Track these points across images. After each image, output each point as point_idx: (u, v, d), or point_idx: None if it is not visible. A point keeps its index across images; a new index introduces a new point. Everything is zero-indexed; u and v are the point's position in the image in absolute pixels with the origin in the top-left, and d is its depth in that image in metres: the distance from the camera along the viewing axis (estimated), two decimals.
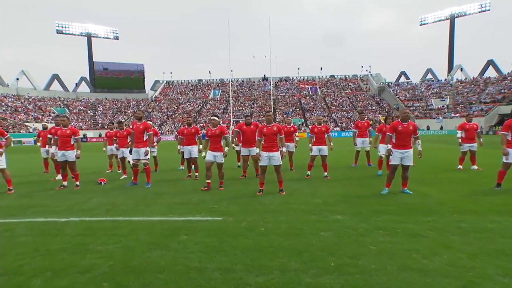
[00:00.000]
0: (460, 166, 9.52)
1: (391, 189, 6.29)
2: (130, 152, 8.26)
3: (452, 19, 68.32)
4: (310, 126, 10.57)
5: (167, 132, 52.41)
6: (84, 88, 73.04)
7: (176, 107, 66.53)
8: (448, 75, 66.04)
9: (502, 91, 50.45)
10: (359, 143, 10.59)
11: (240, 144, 8.99)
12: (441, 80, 64.51)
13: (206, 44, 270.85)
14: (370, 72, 75.90)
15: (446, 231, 3.98)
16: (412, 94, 60.87)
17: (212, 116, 7.43)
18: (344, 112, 59.92)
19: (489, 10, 64.24)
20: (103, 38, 75.01)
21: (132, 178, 8.01)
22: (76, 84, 73.21)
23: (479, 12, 65.47)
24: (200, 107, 66.75)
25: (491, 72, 61.41)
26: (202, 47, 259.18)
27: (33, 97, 59.99)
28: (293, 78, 79.05)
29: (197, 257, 3.32)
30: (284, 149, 6.68)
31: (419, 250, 3.39)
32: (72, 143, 7.82)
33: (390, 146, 6.34)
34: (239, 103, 67.21)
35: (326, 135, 8.71)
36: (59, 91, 67.31)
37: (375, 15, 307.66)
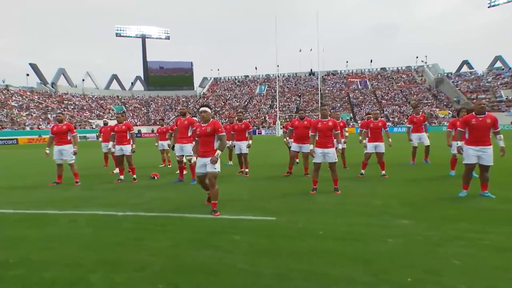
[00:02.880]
0: None
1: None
2: (173, 148, 8.34)
3: None
4: (359, 122, 9.67)
5: None
6: (139, 86, 77.96)
7: (223, 103, 67.93)
8: None
9: None
10: (415, 139, 9.70)
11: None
12: None
13: (253, 40, 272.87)
14: (426, 63, 70.31)
15: None
16: (476, 85, 55.09)
17: (202, 107, 4.97)
18: (397, 106, 56.26)
19: None
20: (156, 38, 79.10)
21: (178, 174, 8.08)
22: (132, 83, 78.39)
23: None
24: (246, 103, 67.40)
25: None
26: (248, 44, 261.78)
27: (95, 96, 65.46)
28: (341, 71, 76.26)
29: (250, 260, 3.11)
30: (340, 146, 6.24)
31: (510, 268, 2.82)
32: (128, 137, 8.17)
33: (460, 143, 5.58)
34: (285, 98, 66.56)
35: (383, 131, 8.05)
36: (117, 90, 72.64)
37: (432, 1, 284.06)
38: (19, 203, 5.86)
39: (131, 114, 60.50)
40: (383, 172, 7.74)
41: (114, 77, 75.21)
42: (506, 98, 48.78)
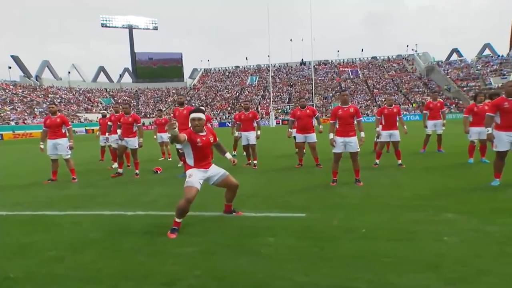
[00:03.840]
0: None
1: (502, 181, 5.19)
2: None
3: None
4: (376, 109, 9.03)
5: None
6: (127, 78, 76.06)
7: (214, 95, 66.95)
8: (510, 49, 59.27)
9: None
10: (430, 126, 9.38)
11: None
12: (502, 56, 58.03)
13: (243, 31, 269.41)
14: (416, 51, 70.51)
15: None
16: (466, 73, 55.52)
17: (194, 112, 4.04)
18: (388, 95, 56.38)
19: None
20: (143, 29, 76.96)
21: (183, 168, 7.54)
22: (120, 75, 76.39)
23: None
24: (238, 93, 66.55)
25: None
26: (238, 34, 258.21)
27: (82, 89, 63.59)
28: (332, 61, 75.91)
29: (300, 268, 2.68)
30: (363, 134, 5.83)
31: None
32: (134, 130, 7.65)
33: (490, 130, 5.23)
34: (277, 88, 65.98)
35: (397, 118, 7.69)
36: (105, 83, 70.72)
37: None
38: (14, 204, 5.30)
39: (120, 107, 58.96)
40: (400, 161, 7.39)
41: (101, 69, 73.08)
42: (496, 86, 49.31)
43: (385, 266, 2.63)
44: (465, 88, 50.28)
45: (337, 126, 5.87)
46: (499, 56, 58.83)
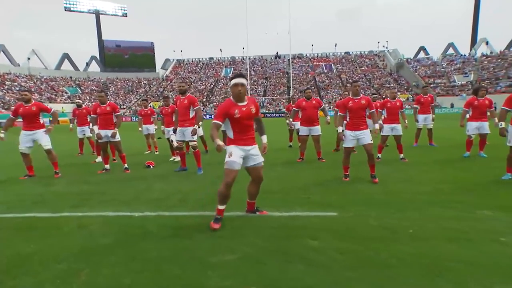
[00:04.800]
0: None
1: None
2: (174, 131, 7.30)
3: None
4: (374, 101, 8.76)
5: None
6: (95, 67, 72.04)
7: (188, 86, 65.17)
8: (471, 50, 62.85)
9: None
10: (421, 120, 9.52)
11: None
12: (464, 55, 61.41)
13: (216, 21, 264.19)
14: (387, 48, 72.84)
15: None
16: (433, 71, 58.24)
17: (236, 77, 3.58)
18: (361, 90, 57.85)
19: None
20: (112, 15, 73.03)
21: (180, 163, 6.97)
22: (87, 63, 72.15)
23: None
24: (212, 85, 65.31)
25: None
26: (212, 25, 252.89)
27: (45, 77, 59.27)
28: (306, 55, 76.55)
29: (365, 277, 2.39)
30: (377, 126, 5.62)
31: None
32: (114, 121, 6.93)
33: (503, 124, 5.25)
34: (252, 81, 65.42)
35: (399, 112, 7.65)
36: (70, 71, 66.40)
37: None
38: None
39: (88, 97, 55.74)
40: (402, 155, 7.36)
41: (66, 56, 68.51)
42: (460, 83, 52.19)
43: (459, 272, 2.41)
44: (432, 85, 52.68)
45: (347, 120, 5.65)
46: (461, 55, 62.23)
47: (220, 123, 3.55)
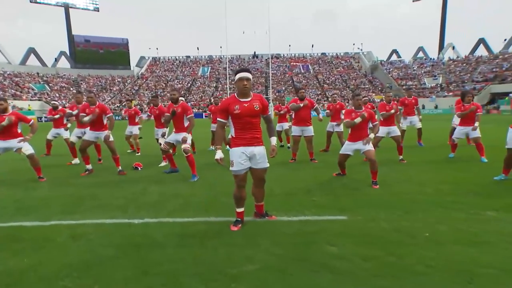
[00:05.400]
0: None
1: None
2: (163, 136, 7.02)
3: None
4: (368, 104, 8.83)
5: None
6: (64, 63, 68.63)
7: (164, 85, 63.68)
8: (439, 54, 65.96)
9: (494, 69, 50.81)
10: (406, 122, 9.77)
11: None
12: (433, 59, 64.34)
13: (193, 19, 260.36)
14: (361, 50, 74.91)
15: None
16: (405, 73, 60.55)
17: (240, 71, 3.39)
18: (338, 91, 59.09)
19: None
20: (82, 9, 69.76)
21: (170, 164, 6.71)
22: (55, 59, 68.57)
23: None
24: (189, 84, 64.21)
25: (482, 51, 61.82)
26: (188, 23, 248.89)
27: (8, 72, 55.62)
28: (284, 55, 77.12)
29: (395, 285, 2.33)
30: (372, 136, 5.44)
31: None
32: (105, 123, 6.58)
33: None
34: (230, 80, 65.00)
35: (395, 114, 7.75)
36: (37, 66, 62.81)
37: None
38: None
39: (57, 95, 52.96)
40: (401, 157, 7.38)
41: (32, 50, 64.78)
42: (430, 86, 54.60)
43: (491, 279, 2.37)
44: (404, 87, 54.73)
45: (349, 131, 5.62)
46: (431, 59, 65.19)
47: (223, 120, 3.44)
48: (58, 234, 3.40)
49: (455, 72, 55.43)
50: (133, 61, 74.02)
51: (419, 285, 2.34)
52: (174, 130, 6.37)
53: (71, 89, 58.87)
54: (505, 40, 59.51)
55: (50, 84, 57.81)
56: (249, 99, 3.39)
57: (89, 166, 6.66)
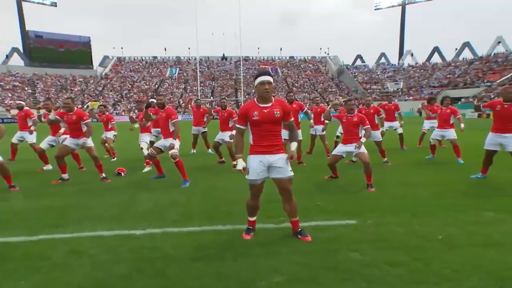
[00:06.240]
0: None
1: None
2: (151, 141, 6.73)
3: (403, 6, 71.52)
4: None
5: (123, 113, 48.28)
6: (17, 61, 63.66)
7: (130, 86, 61.34)
8: (400, 60, 69.86)
9: (448, 76, 54.75)
10: (386, 127, 10.06)
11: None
12: (394, 64, 67.99)
13: (161, 19, 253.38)
14: (328, 54, 77.30)
15: None
16: (369, 77, 63.39)
17: (261, 75, 3.18)
18: (306, 94, 60.44)
19: None
20: (37, 3, 65.22)
21: (156, 170, 6.40)
22: (7, 56, 63.38)
23: (426, 0, 69.23)
24: (157, 86, 62.36)
25: (436, 58, 66.35)
26: (155, 23, 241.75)
27: None
28: (253, 57, 77.51)
29: None
30: (363, 140, 5.42)
31: None
32: (84, 130, 6.13)
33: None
34: (199, 82, 64.13)
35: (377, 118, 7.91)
36: None
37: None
38: None
39: (9, 95, 48.98)
40: (385, 159, 7.57)
41: None
42: (392, 90, 57.56)
43: None
44: (369, 90, 57.25)
45: (342, 133, 5.72)
46: (392, 64, 68.86)
47: (242, 127, 3.25)
48: (53, 250, 3.05)
49: (414, 78, 58.97)
50: (96, 60, 70.61)
51: None
52: (163, 137, 6.10)
53: (26, 88, 54.77)
54: (456, 49, 64.44)
55: (1, 83, 53.34)
56: (269, 104, 3.16)
57: (65, 176, 6.16)
